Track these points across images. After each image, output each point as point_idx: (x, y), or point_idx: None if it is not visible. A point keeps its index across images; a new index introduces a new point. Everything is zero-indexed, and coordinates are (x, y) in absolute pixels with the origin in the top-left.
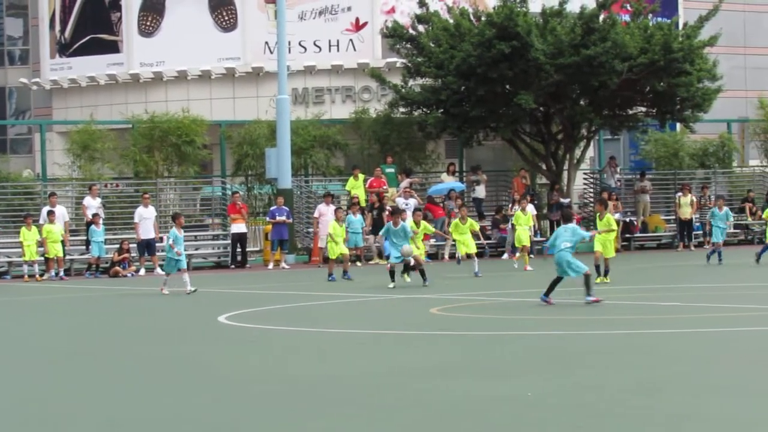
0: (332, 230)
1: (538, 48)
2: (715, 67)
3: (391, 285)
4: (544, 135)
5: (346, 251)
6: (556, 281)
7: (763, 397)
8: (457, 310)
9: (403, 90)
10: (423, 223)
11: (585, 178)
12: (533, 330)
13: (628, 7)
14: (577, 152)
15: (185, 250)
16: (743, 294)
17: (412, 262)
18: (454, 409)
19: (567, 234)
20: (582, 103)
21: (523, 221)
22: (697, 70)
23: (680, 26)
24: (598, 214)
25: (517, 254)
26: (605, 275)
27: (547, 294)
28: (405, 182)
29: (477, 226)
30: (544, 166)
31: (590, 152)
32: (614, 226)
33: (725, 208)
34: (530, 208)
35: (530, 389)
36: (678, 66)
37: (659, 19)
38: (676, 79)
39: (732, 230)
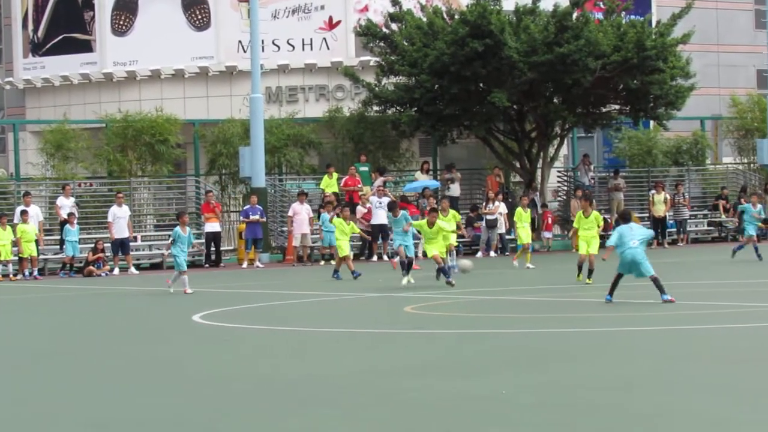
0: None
1: (512, 46)
2: (688, 64)
3: (405, 281)
4: (517, 133)
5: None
6: (618, 278)
7: (735, 395)
8: (431, 309)
9: (377, 88)
10: (452, 212)
11: (559, 176)
12: (509, 328)
13: (602, 5)
14: (551, 150)
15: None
16: (718, 291)
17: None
18: (428, 408)
19: (633, 233)
20: (555, 101)
21: (524, 219)
22: (670, 68)
23: (653, 24)
24: (582, 212)
25: (517, 252)
26: (589, 276)
27: (611, 294)
28: (379, 181)
29: (459, 217)
30: (518, 164)
31: (564, 150)
32: (601, 223)
33: (759, 206)
34: (503, 207)
35: (505, 387)
36: (651, 64)
37: (632, 16)
38: (649, 77)
39: (706, 228)
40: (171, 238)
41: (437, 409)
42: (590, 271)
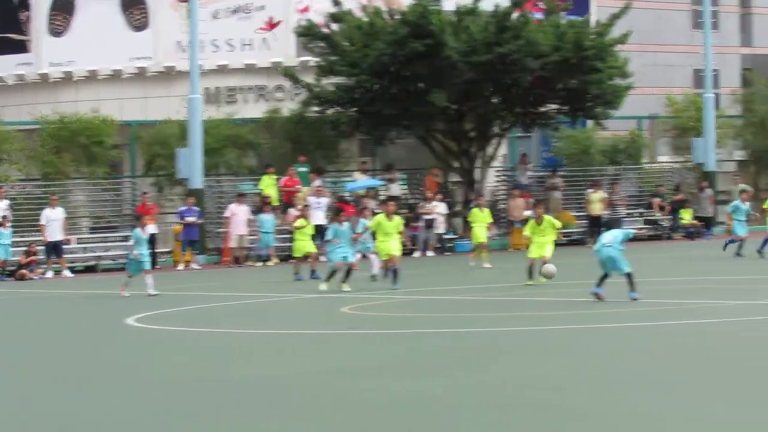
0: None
1: (452, 46)
2: (626, 64)
3: (324, 287)
4: (457, 133)
5: (313, 249)
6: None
7: (664, 392)
8: (368, 309)
9: (317, 89)
10: (396, 218)
11: (497, 176)
12: (446, 327)
13: (541, 6)
14: (490, 150)
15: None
16: (656, 289)
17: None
18: (364, 408)
19: (609, 233)
20: (495, 100)
21: (480, 219)
22: (608, 68)
23: (592, 24)
24: (534, 220)
25: (473, 252)
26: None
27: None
28: (317, 181)
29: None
30: (456, 164)
31: (503, 150)
32: (558, 225)
33: (748, 203)
34: (442, 207)
35: (440, 387)
36: (590, 63)
37: (572, 17)
38: (587, 77)
39: (641, 226)
40: (132, 240)
41: (373, 409)
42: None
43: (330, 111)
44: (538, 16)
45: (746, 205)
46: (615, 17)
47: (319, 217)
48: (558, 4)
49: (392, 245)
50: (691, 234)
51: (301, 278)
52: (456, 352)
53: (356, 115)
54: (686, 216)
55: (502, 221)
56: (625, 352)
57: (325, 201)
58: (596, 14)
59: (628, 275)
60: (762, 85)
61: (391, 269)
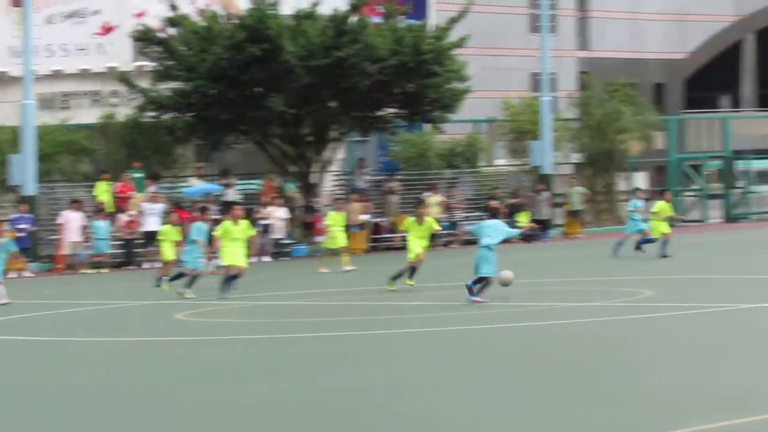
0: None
1: (290, 50)
2: (464, 68)
3: (187, 294)
4: (294, 137)
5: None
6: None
7: (509, 393)
8: (202, 315)
9: (153, 94)
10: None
11: (335, 180)
12: (278, 333)
13: (380, 9)
14: (327, 154)
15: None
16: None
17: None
18: (190, 415)
19: (490, 230)
20: (332, 105)
21: (338, 222)
22: (446, 72)
23: (430, 28)
24: (415, 219)
25: (327, 255)
26: (410, 277)
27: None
28: (152, 187)
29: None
30: (293, 169)
31: (340, 154)
32: (436, 226)
33: (642, 201)
34: (282, 212)
35: (273, 393)
36: (428, 67)
37: (410, 21)
38: (425, 81)
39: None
40: None
41: (201, 417)
42: (413, 271)
43: (166, 116)
44: (377, 20)
45: (642, 204)
46: (453, 21)
47: (153, 223)
48: (396, 8)
49: (238, 252)
50: (528, 237)
51: (160, 285)
52: (291, 357)
53: (192, 120)
54: (523, 219)
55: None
56: (465, 355)
57: (159, 207)
58: (434, 18)
59: (481, 280)
60: (599, 88)
61: (230, 277)
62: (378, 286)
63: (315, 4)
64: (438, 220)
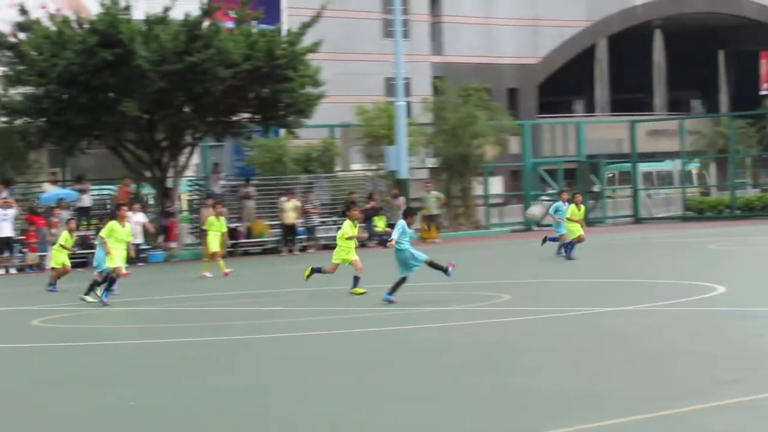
0: (63, 241)
1: (142, 55)
2: (318, 73)
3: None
4: (148, 143)
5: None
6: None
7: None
8: (59, 321)
9: (4, 99)
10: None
11: (190, 185)
12: (136, 339)
13: (232, 14)
14: (182, 159)
15: None
16: (340, 298)
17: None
18: (53, 422)
19: (405, 234)
20: (186, 110)
21: (216, 227)
22: (300, 77)
23: (284, 33)
24: (356, 220)
25: (206, 259)
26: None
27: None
28: (4, 193)
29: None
30: (149, 174)
31: (195, 159)
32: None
33: (567, 203)
34: (139, 217)
35: (133, 398)
36: (281, 72)
37: (263, 26)
38: (279, 86)
39: (335, 234)
40: None
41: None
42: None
43: (18, 121)
44: (229, 25)
45: (566, 206)
46: (306, 26)
47: (6, 229)
48: (249, 13)
49: (122, 255)
50: (385, 241)
51: (54, 289)
52: (147, 362)
53: (45, 125)
54: (380, 224)
55: (196, 230)
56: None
57: (12, 212)
58: (288, 23)
59: (402, 280)
60: (453, 93)
61: (111, 280)
62: (237, 290)
63: (167, 9)
64: (295, 225)
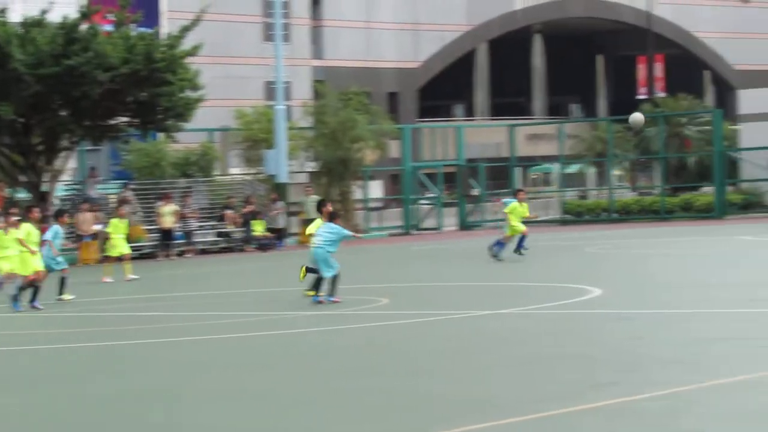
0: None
1: (18, 58)
2: (196, 77)
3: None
4: (24, 146)
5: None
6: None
7: (250, 403)
8: None
9: None
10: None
11: (66, 189)
12: (36, 344)
13: (111, 17)
14: (58, 163)
15: None
16: (221, 302)
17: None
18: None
19: (323, 230)
20: (63, 113)
21: (121, 230)
22: (179, 80)
23: (163, 36)
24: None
25: (107, 263)
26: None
27: (316, 291)
28: None
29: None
30: (24, 178)
31: (72, 163)
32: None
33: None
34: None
35: (21, 405)
36: (160, 76)
37: (142, 29)
38: (158, 89)
39: (214, 238)
40: None
41: None
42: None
43: None
44: (108, 28)
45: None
46: (186, 29)
47: None
48: (128, 16)
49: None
50: (263, 246)
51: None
52: (46, 367)
53: None
54: (259, 228)
55: (71, 236)
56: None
57: None
58: (167, 26)
59: (333, 278)
60: (333, 97)
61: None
62: (113, 296)
63: (44, 12)
64: (172, 230)
